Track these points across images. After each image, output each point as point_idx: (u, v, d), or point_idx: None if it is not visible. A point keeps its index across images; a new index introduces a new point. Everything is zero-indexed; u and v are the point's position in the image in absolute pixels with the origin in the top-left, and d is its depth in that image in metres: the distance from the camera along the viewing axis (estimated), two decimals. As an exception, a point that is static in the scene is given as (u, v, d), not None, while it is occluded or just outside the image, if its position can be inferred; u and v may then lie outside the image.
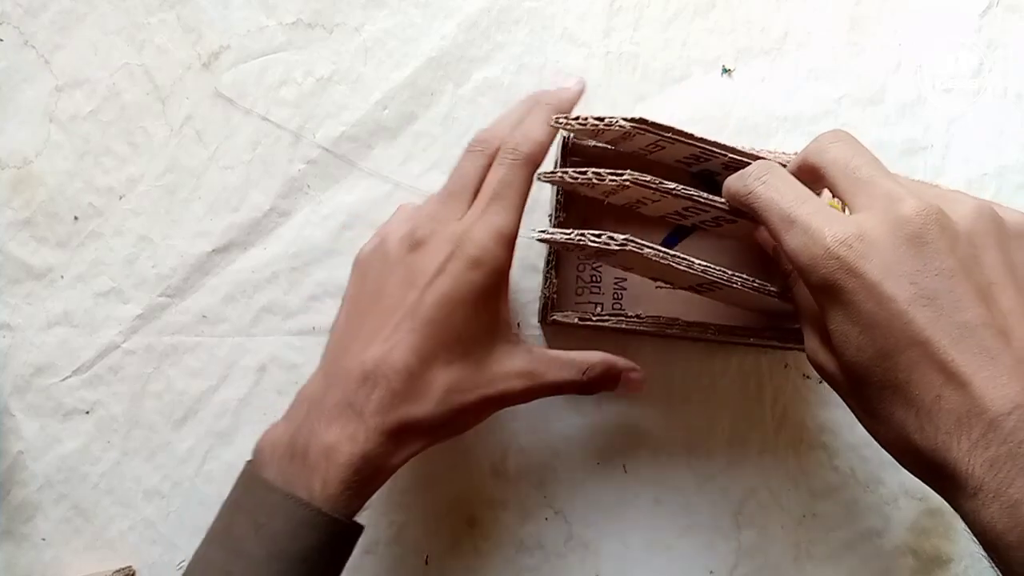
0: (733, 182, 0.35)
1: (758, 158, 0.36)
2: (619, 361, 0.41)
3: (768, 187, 0.33)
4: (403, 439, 0.35)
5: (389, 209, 0.46)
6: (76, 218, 0.46)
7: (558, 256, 0.44)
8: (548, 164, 0.41)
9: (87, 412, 0.46)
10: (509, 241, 0.37)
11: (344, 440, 0.34)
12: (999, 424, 0.26)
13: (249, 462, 0.36)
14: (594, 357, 0.40)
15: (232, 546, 0.34)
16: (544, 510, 0.47)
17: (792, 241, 0.31)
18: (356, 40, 0.46)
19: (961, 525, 0.48)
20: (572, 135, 0.42)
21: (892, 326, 0.28)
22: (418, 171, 0.46)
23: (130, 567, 0.46)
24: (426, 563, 0.46)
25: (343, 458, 0.34)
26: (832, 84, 0.48)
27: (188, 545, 0.46)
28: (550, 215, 0.43)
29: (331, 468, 0.33)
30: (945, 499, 0.29)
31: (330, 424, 0.34)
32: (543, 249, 0.45)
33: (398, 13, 0.46)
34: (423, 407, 0.35)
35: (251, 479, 0.35)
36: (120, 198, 0.46)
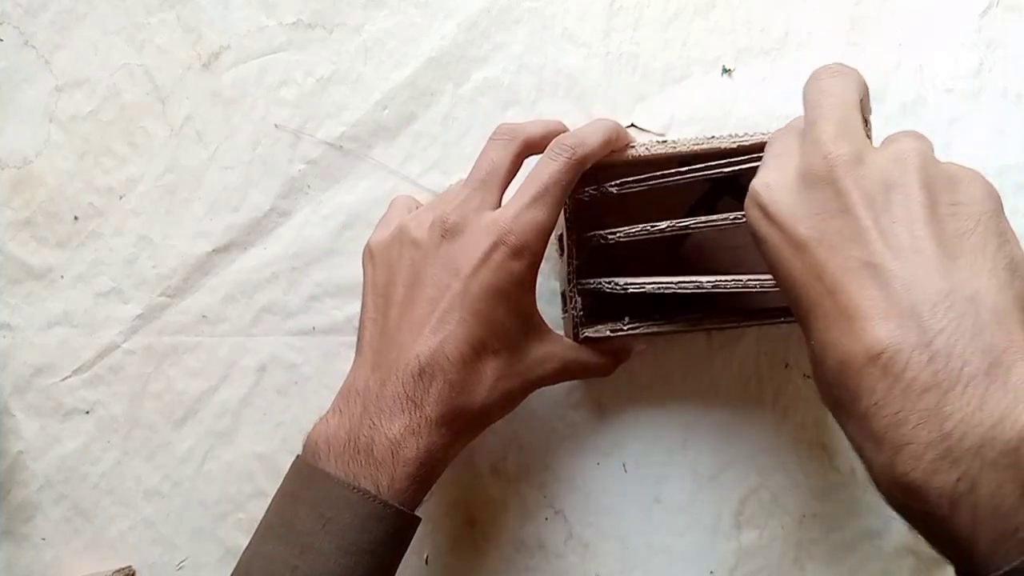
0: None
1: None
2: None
3: (785, 129, 0.34)
4: (460, 429, 0.36)
5: (389, 209, 0.46)
6: (76, 218, 0.46)
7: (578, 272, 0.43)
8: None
9: (87, 412, 0.46)
10: (547, 236, 0.38)
11: (408, 435, 0.35)
12: (872, 361, 0.26)
13: (299, 456, 0.37)
14: None
15: (296, 540, 0.34)
16: (544, 510, 0.47)
17: (820, 336, 0.30)
18: (356, 40, 0.46)
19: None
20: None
21: (794, 267, 0.29)
22: (418, 171, 0.46)
23: (130, 567, 0.46)
24: (426, 562, 0.46)
25: (411, 453, 0.34)
26: (832, 84, 0.48)
27: (188, 545, 0.46)
28: (560, 235, 0.42)
29: (398, 463, 0.34)
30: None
31: (392, 419, 0.35)
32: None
33: (398, 13, 0.46)
34: (478, 396, 0.36)
35: (311, 473, 0.35)
36: (120, 198, 0.46)
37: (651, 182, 0.39)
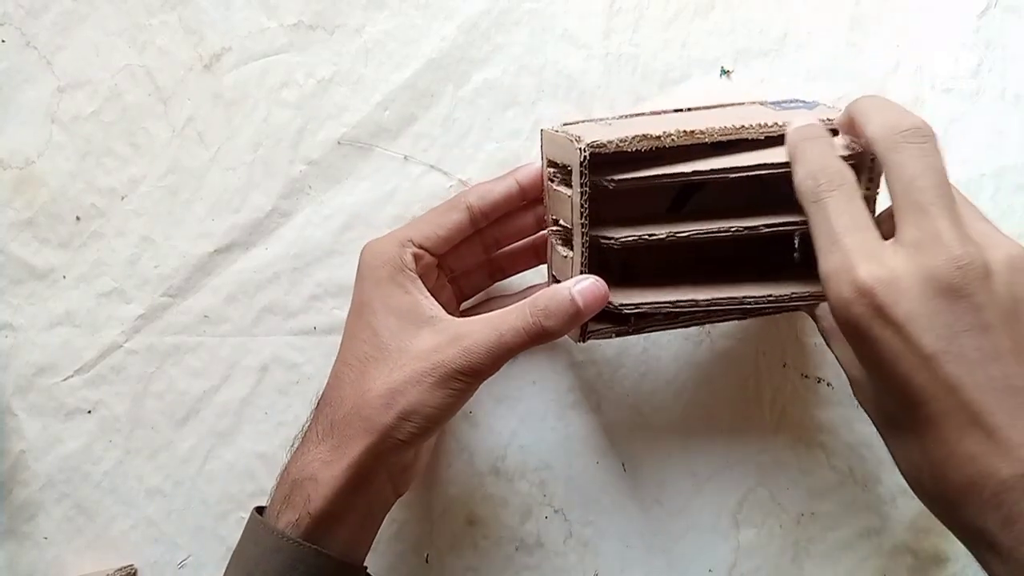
0: (804, 180, 0.33)
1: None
2: (564, 288, 0.36)
3: (833, 200, 0.32)
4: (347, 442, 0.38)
5: (390, 209, 0.46)
6: (78, 218, 0.46)
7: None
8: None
9: (89, 412, 0.46)
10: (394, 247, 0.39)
11: (298, 466, 0.39)
12: (1015, 483, 0.27)
13: None
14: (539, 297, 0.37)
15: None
16: (544, 509, 0.47)
17: (827, 264, 0.31)
18: (357, 42, 0.46)
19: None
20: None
21: (915, 377, 0.28)
22: (418, 172, 0.46)
23: (132, 566, 0.46)
24: (426, 561, 0.46)
25: (294, 478, 0.38)
26: (831, 84, 0.48)
27: (190, 544, 0.46)
28: (560, 229, 0.41)
29: (296, 496, 0.37)
30: (969, 549, 0.30)
31: (296, 454, 0.39)
32: None
33: (398, 15, 0.46)
34: (368, 406, 0.37)
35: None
36: (122, 199, 0.46)
37: (656, 180, 0.38)
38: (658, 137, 0.37)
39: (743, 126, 0.37)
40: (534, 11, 0.46)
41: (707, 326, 0.47)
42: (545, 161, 0.41)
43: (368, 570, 0.39)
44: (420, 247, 0.39)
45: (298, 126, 0.46)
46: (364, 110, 0.46)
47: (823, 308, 0.40)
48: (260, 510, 0.38)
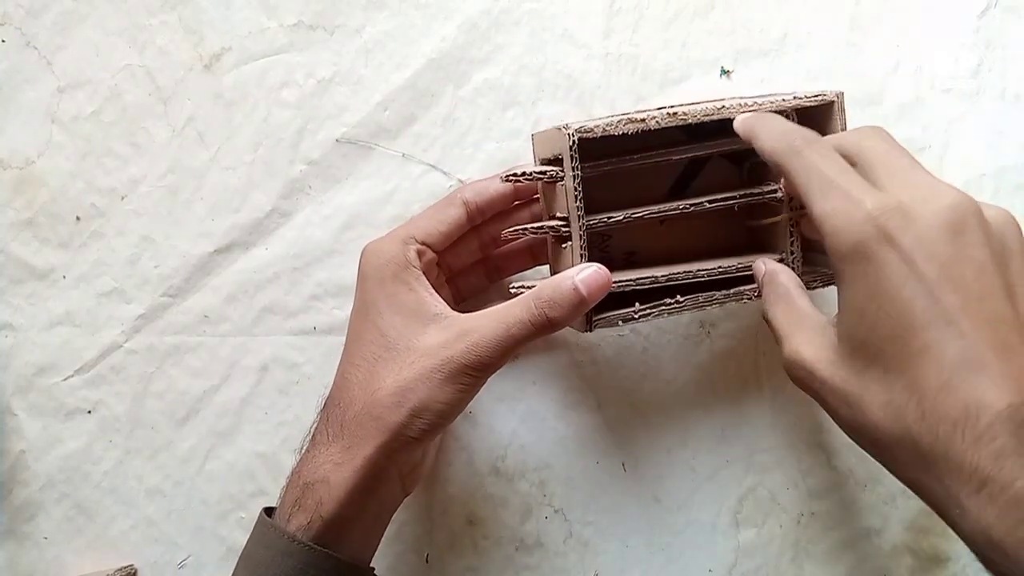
0: (775, 139, 0.35)
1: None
2: (567, 278, 0.36)
3: (814, 152, 0.33)
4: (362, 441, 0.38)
5: (390, 209, 0.46)
6: (78, 218, 0.46)
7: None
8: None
9: (89, 412, 0.46)
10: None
11: (308, 469, 0.38)
12: (1011, 415, 0.26)
13: None
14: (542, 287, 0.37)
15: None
16: (544, 508, 0.47)
17: (828, 204, 0.31)
18: (357, 42, 0.46)
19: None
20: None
21: (915, 304, 0.28)
22: (418, 172, 0.46)
23: (132, 566, 0.46)
24: (426, 561, 0.46)
25: (307, 480, 0.38)
26: (831, 84, 0.48)
27: (190, 544, 0.46)
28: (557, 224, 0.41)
29: (307, 498, 0.37)
30: (933, 502, 0.29)
31: (304, 456, 0.39)
32: None
33: (398, 15, 0.46)
34: (379, 404, 0.37)
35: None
36: (122, 199, 0.46)
37: (648, 159, 0.40)
38: (643, 120, 0.38)
39: (723, 107, 0.39)
40: (534, 11, 0.46)
41: (707, 326, 0.47)
42: (537, 162, 0.41)
43: (375, 570, 0.39)
44: (423, 243, 0.39)
45: (298, 126, 0.46)
46: (364, 110, 0.46)
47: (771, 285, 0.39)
48: (269, 511, 0.37)
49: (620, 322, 0.39)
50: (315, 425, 0.38)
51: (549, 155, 0.40)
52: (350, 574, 0.36)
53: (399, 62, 0.46)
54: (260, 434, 0.47)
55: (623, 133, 0.38)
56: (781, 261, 0.40)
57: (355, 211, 0.46)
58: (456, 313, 0.37)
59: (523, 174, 0.39)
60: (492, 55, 0.46)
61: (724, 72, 0.47)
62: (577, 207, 0.37)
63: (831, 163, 0.32)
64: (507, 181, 0.39)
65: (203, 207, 0.46)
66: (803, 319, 0.35)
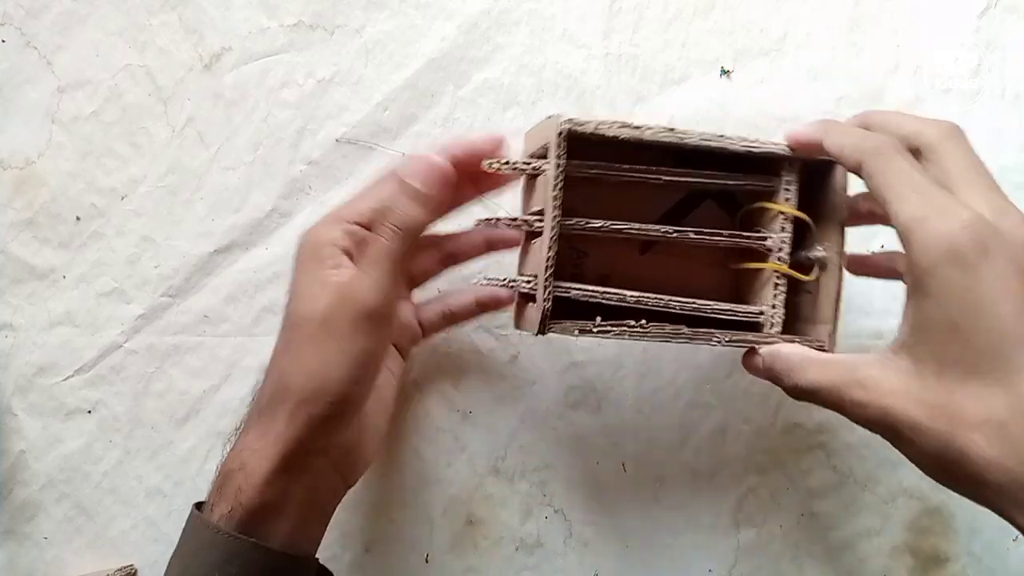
0: (854, 139, 0.34)
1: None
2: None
3: (902, 156, 0.32)
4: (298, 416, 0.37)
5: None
6: (78, 218, 0.46)
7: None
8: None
9: (89, 412, 0.46)
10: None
11: (237, 452, 0.37)
12: None
13: None
14: None
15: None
16: (544, 508, 0.47)
17: (919, 210, 0.30)
18: (357, 42, 0.46)
19: (960, 524, 0.49)
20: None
21: (1018, 319, 0.28)
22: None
23: (132, 566, 0.46)
24: (426, 561, 0.46)
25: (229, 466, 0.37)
26: (831, 84, 0.48)
27: (190, 544, 0.46)
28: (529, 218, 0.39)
29: (229, 484, 0.36)
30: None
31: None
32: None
33: (399, 15, 0.46)
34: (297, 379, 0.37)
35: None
36: (122, 199, 0.46)
37: (635, 175, 0.38)
38: (638, 127, 0.36)
39: (723, 135, 0.37)
40: (534, 11, 0.46)
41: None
42: (524, 159, 0.39)
43: (320, 561, 0.38)
44: (353, 222, 0.37)
45: (298, 126, 0.46)
46: (364, 110, 0.46)
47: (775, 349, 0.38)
48: (199, 506, 0.36)
49: (576, 332, 0.37)
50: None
51: (536, 148, 0.39)
52: (283, 564, 0.35)
53: (399, 62, 0.46)
54: (260, 434, 0.47)
55: (615, 136, 0.36)
56: (761, 314, 0.39)
57: (355, 211, 0.46)
58: (354, 276, 0.36)
59: (506, 162, 0.38)
60: (492, 55, 0.46)
61: (724, 72, 0.47)
62: (554, 196, 0.36)
63: (917, 171, 0.32)
64: (491, 169, 0.38)
65: (203, 207, 0.46)
66: (846, 365, 0.33)
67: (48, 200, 0.46)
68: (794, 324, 0.40)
